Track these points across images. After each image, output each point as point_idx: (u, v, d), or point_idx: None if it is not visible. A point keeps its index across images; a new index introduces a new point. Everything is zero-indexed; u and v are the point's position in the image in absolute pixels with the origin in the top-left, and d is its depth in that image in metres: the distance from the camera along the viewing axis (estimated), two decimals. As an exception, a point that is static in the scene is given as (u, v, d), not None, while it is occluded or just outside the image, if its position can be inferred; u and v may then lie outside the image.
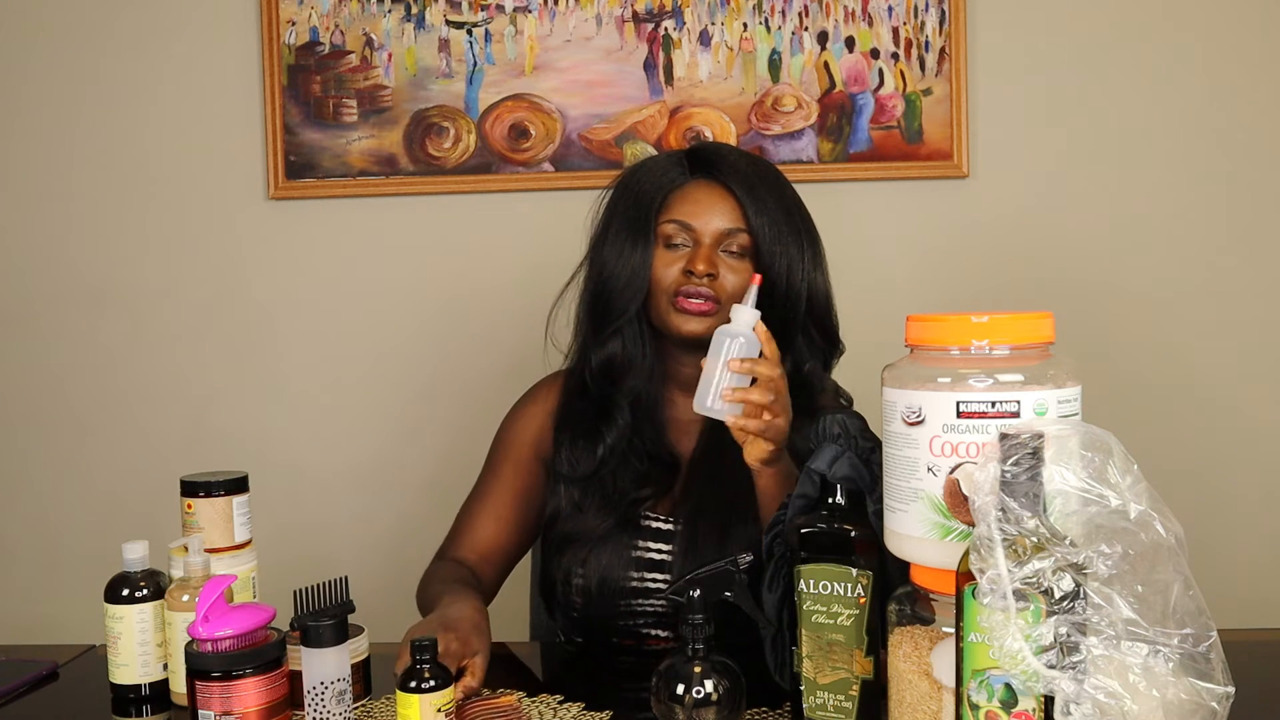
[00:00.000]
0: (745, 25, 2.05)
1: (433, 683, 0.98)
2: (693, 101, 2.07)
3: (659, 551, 1.33)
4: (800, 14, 2.04)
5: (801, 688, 1.00)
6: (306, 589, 1.00)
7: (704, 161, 1.37)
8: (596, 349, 1.38)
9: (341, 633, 1.00)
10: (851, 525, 0.98)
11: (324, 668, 0.99)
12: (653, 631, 1.33)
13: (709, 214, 1.33)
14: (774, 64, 2.05)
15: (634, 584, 1.32)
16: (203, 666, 0.96)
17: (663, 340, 1.38)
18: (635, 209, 1.35)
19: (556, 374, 1.48)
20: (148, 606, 1.17)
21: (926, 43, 2.03)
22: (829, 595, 0.98)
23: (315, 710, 0.99)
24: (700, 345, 1.31)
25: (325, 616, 0.99)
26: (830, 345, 1.41)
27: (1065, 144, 2.05)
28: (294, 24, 2.10)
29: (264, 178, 2.14)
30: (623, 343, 1.37)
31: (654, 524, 1.35)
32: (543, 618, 1.55)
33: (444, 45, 2.09)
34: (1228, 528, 2.04)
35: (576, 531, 1.35)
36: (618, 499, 1.35)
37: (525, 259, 2.09)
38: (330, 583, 1.02)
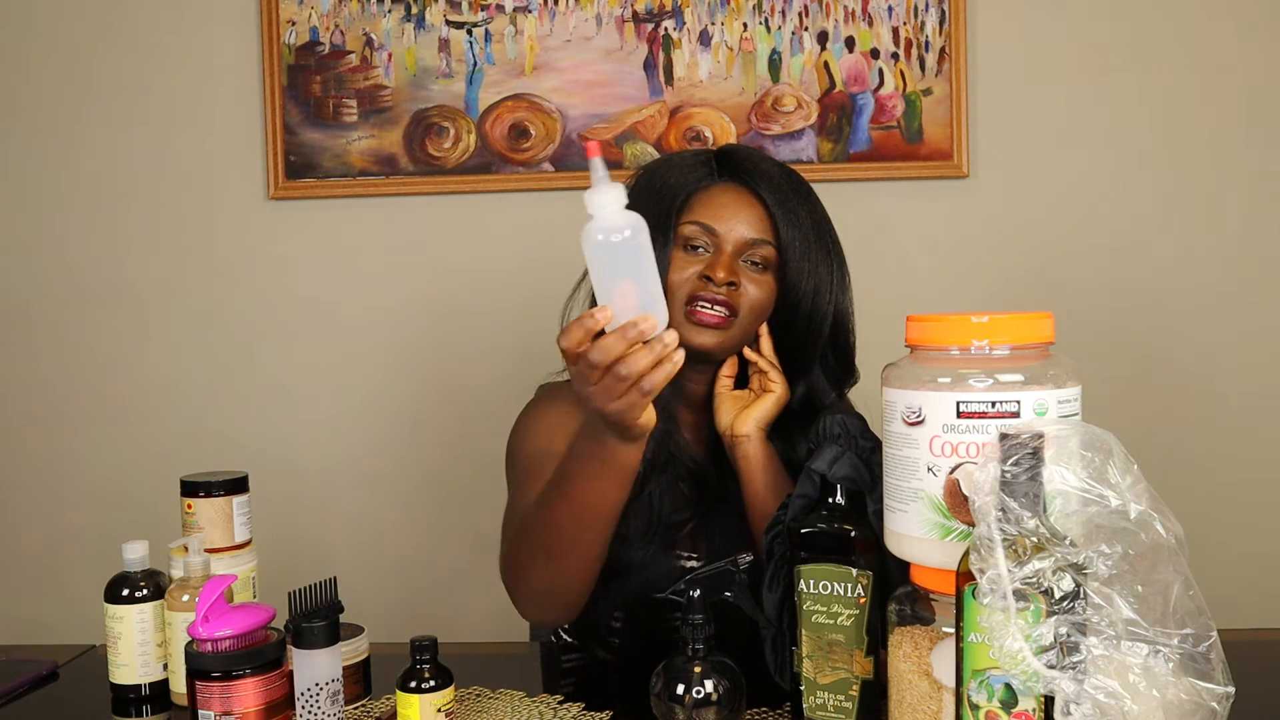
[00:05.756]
0: (745, 25, 2.05)
1: (433, 683, 0.98)
2: (693, 101, 2.07)
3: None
4: (800, 14, 2.04)
5: (801, 688, 1.00)
6: (298, 591, 1.00)
7: (733, 164, 1.29)
8: None
9: (333, 634, 1.00)
10: (851, 525, 0.98)
11: (316, 669, 0.99)
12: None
13: (734, 219, 1.25)
14: (774, 64, 2.05)
15: (677, 620, 1.25)
16: (202, 666, 0.96)
17: None
18: (655, 206, 1.25)
19: (563, 384, 1.39)
20: (148, 606, 1.17)
21: (926, 43, 2.03)
22: (829, 595, 0.98)
23: (309, 712, 0.99)
24: (711, 361, 1.29)
25: (316, 618, 0.99)
26: (845, 372, 1.33)
27: (1065, 144, 2.05)
28: (294, 24, 2.10)
29: (264, 178, 2.14)
30: None
31: (686, 563, 1.30)
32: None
33: (444, 45, 2.09)
34: (1228, 528, 2.04)
35: (618, 565, 1.26)
36: (658, 523, 1.27)
37: (525, 259, 2.09)
38: (320, 584, 1.02)
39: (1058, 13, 2.04)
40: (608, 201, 0.91)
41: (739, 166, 1.28)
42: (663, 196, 1.26)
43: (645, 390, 0.96)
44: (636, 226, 0.92)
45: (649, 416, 1.01)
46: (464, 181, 2.10)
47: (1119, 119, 2.05)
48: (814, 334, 1.28)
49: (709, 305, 1.23)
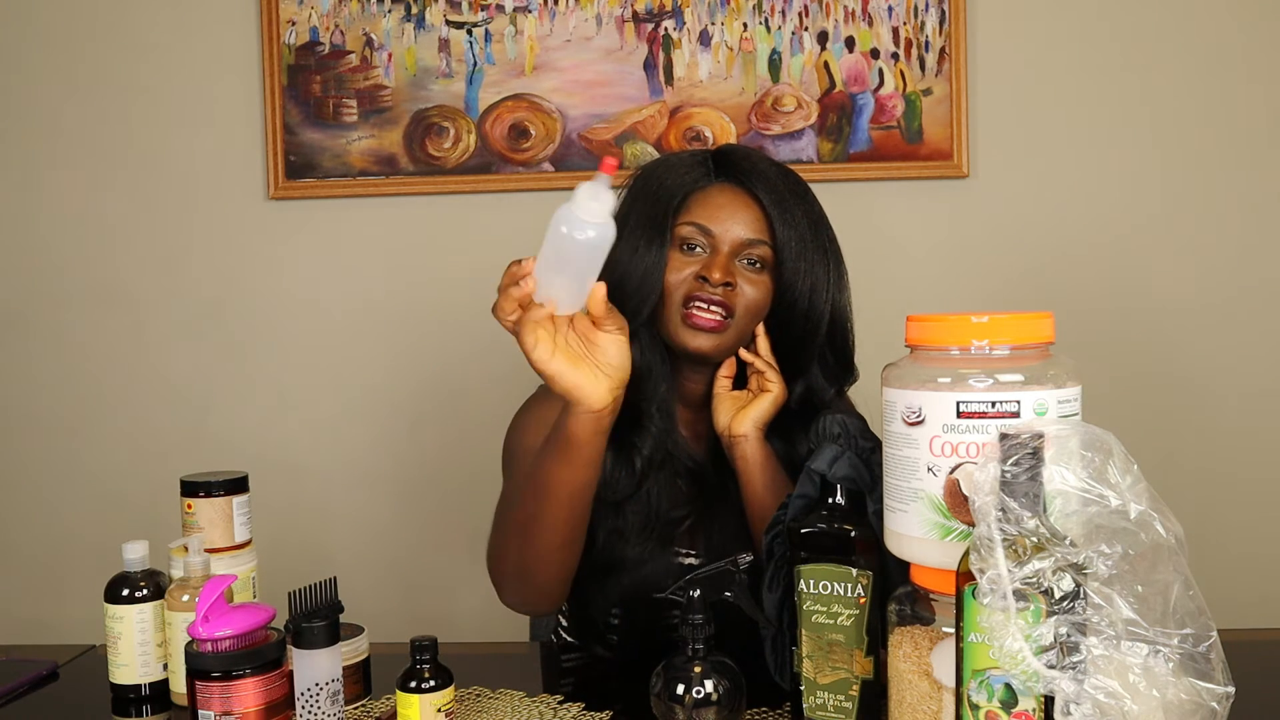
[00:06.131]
0: (745, 25, 2.05)
1: (433, 683, 0.98)
2: (693, 101, 2.07)
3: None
4: (800, 14, 2.04)
5: (801, 688, 1.00)
6: (298, 591, 1.01)
7: (730, 165, 1.29)
8: None
9: (333, 634, 1.00)
10: (851, 525, 0.98)
11: (316, 669, 0.99)
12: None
13: (730, 220, 1.25)
14: (774, 64, 2.05)
15: (676, 619, 1.21)
16: (203, 666, 0.96)
17: (669, 350, 1.31)
18: (653, 207, 1.27)
19: None
20: (148, 606, 1.17)
21: (926, 43, 2.03)
22: (829, 595, 0.98)
23: (309, 711, 0.99)
24: (709, 362, 1.30)
25: (316, 618, 0.99)
26: (844, 371, 1.34)
27: (1065, 144, 2.05)
28: (294, 24, 2.10)
29: (264, 178, 2.14)
30: (639, 349, 1.28)
31: (685, 560, 1.31)
32: (543, 618, 1.55)
33: (444, 45, 2.09)
34: (1228, 528, 2.04)
35: (616, 561, 1.28)
36: (656, 519, 1.28)
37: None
38: (320, 584, 1.02)
39: (1058, 13, 2.04)
40: (594, 207, 0.96)
41: (736, 167, 1.29)
42: (659, 197, 1.27)
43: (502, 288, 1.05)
44: (603, 233, 0.97)
45: (590, 392, 1.05)
46: (464, 181, 2.10)
47: (1119, 119, 2.05)
48: (811, 333, 1.28)
49: (705, 306, 1.24)
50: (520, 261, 1.05)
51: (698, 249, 1.26)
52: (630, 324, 1.27)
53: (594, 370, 1.06)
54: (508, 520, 1.22)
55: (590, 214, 0.96)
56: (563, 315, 1.05)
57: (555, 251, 0.99)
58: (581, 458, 1.11)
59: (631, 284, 1.26)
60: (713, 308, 1.24)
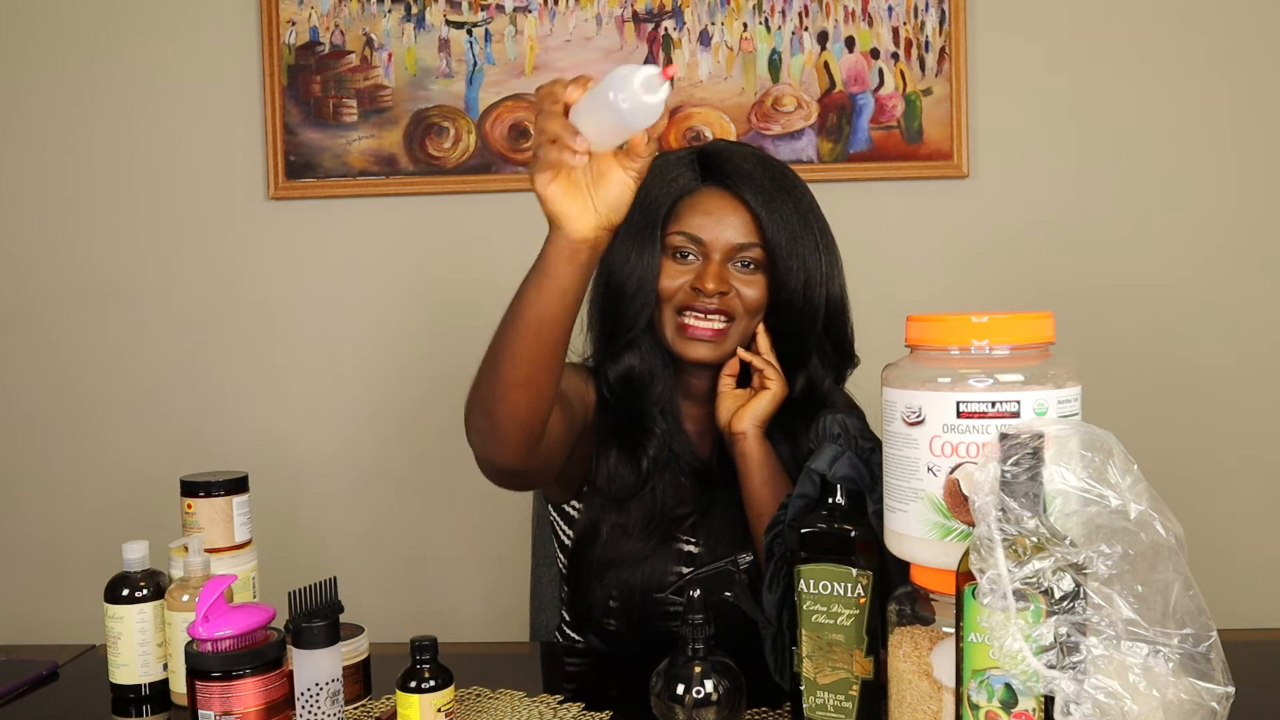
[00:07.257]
0: (745, 25, 2.05)
1: (433, 683, 0.98)
2: (693, 101, 2.07)
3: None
4: (800, 14, 2.04)
5: (801, 688, 1.00)
6: (298, 591, 1.01)
7: (715, 168, 1.29)
8: (611, 362, 1.32)
9: (333, 634, 1.00)
10: (851, 525, 0.98)
11: (316, 669, 0.99)
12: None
13: (720, 226, 1.26)
14: (774, 64, 2.05)
15: (675, 608, 1.22)
16: (202, 666, 0.96)
17: (670, 352, 1.32)
18: (642, 215, 1.27)
19: (584, 366, 1.39)
20: (148, 606, 1.17)
21: (926, 43, 2.03)
22: (829, 595, 0.98)
23: (309, 711, 0.99)
24: (710, 367, 1.31)
25: (316, 618, 0.99)
26: (844, 359, 1.34)
27: (1065, 144, 2.05)
28: (294, 24, 2.10)
29: (264, 178, 2.14)
30: (640, 355, 1.31)
31: (686, 547, 1.31)
32: (543, 618, 1.55)
33: (444, 45, 2.09)
34: (1228, 528, 2.04)
35: (619, 556, 1.29)
36: (660, 517, 1.29)
37: (526, 259, 2.08)
38: (320, 584, 1.02)
39: (1057, 13, 2.04)
40: (644, 86, 1.01)
41: (721, 170, 1.29)
42: (647, 205, 1.27)
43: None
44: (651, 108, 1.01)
45: (574, 220, 1.05)
46: (464, 181, 2.10)
47: (1119, 118, 2.04)
48: (809, 325, 1.29)
49: (701, 316, 1.26)
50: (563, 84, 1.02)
51: (690, 256, 1.27)
52: (629, 332, 1.28)
53: (587, 203, 1.04)
54: (486, 356, 1.19)
55: (641, 97, 1.00)
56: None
57: (595, 103, 1.01)
58: (553, 286, 1.08)
59: (628, 292, 1.28)
60: (709, 317, 1.26)
